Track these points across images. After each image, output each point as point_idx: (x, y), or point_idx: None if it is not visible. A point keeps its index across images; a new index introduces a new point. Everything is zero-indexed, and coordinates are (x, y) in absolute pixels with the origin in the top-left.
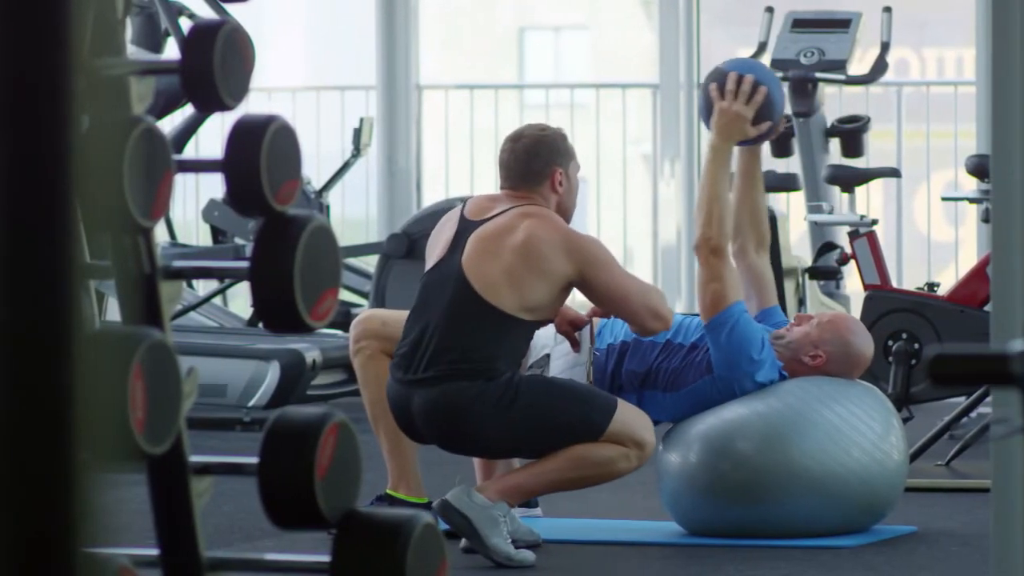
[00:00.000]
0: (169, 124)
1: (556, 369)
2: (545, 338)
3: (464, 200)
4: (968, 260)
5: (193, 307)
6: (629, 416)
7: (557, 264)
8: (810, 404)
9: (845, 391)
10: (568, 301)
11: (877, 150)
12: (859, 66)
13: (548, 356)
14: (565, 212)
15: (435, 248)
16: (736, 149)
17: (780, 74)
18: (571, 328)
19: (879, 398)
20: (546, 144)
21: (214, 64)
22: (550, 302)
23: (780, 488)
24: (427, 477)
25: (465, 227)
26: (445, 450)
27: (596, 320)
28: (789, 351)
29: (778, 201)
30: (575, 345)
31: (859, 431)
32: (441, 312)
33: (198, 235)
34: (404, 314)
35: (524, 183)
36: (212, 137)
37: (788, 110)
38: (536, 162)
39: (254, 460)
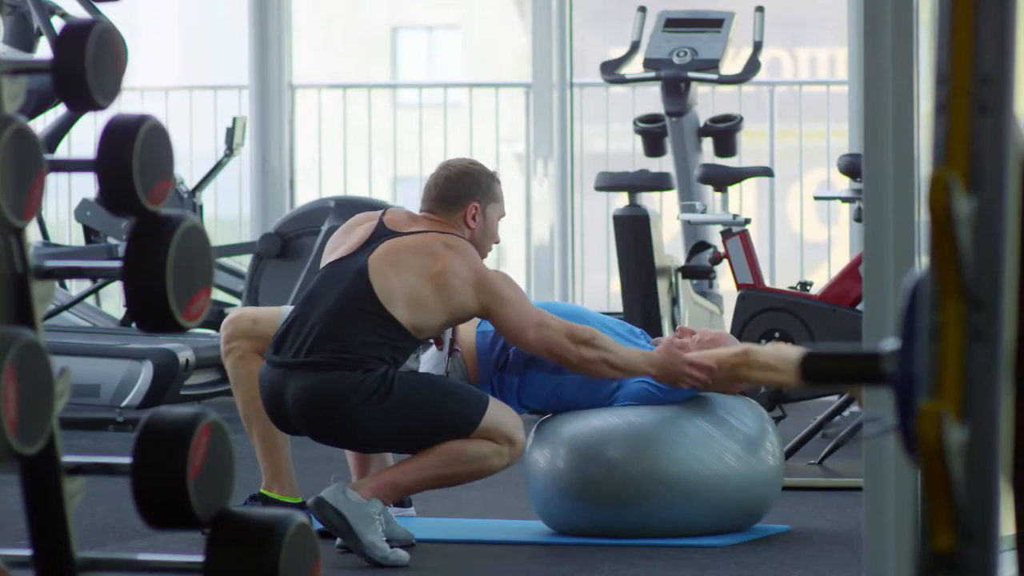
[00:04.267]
0: (41, 123)
1: (425, 368)
2: None
3: (343, 199)
4: (840, 259)
5: (66, 307)
6: (500, 414)
7: (463, 299)
8: (682, 413)
9: (719, 400)
10: None
11: (750, 149)
12: (732, 65)
13: (420, 357)
14: (478, 249)
15: (343, 244)
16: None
17: (652, 74)
18: None
19: (753, 406)
20: (470, 176)
21: (86, 64)
22: (440, 326)
23: (651, 494)
24: (300, 477)
25: (382, 232)
26: (315, 440)
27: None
28: None
29: (651, 201)
30: (439, 343)
31: (732, 437)
32: (333, 302)
33: (71, 235)
34: (276, 311)
35: (440, 208)
36: (85, 137)
37: (661, 108)
38: (454, 190)
39: (127, 460)
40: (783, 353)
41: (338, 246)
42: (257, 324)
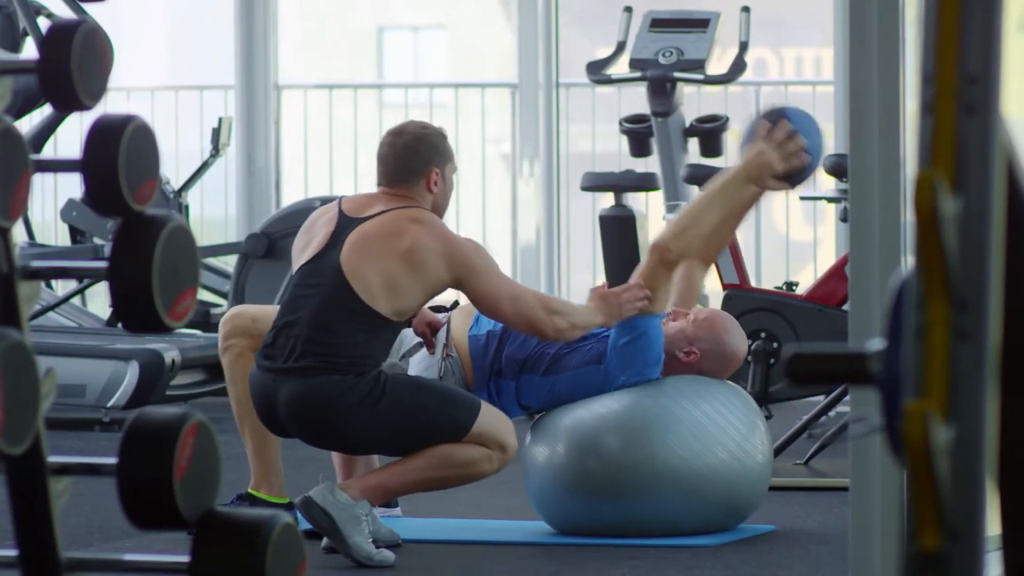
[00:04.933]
0: (27, 124)
1: (415, 371)
2: (413, 334)
3: (328, 199)
4: (826, 259)
5: (52, 307)
6: (492, 418)
7: (437, 272)
8: (677, 401)
9: (712, 390)
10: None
11: (736, 150)
12: (718, 66)
13: (421, 344)
14: (438, 211)
15: (311, 242)
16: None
17: (638, 74)
18: (428, 330)
19: (744, 398)
20: (426, 143)
21: (72, 64)
22: (420, 306)
23: (644, 485)
24: (288, 476)
25: (345, 223)
26: (308, 443)
27: (462, 316)
28: (664, 345)
29: (637, 201)
30: (430, 346)
31: (724, 430)
32: (316, 306)
33: (57, 235)
34: (275, 310)
35: (401, 181)
36: (71, 137)
37: (646, 108)
38: (414, 160)
39: (113, 460)
40: (680, 216)
41: (305, 245)
42: (256, 323)
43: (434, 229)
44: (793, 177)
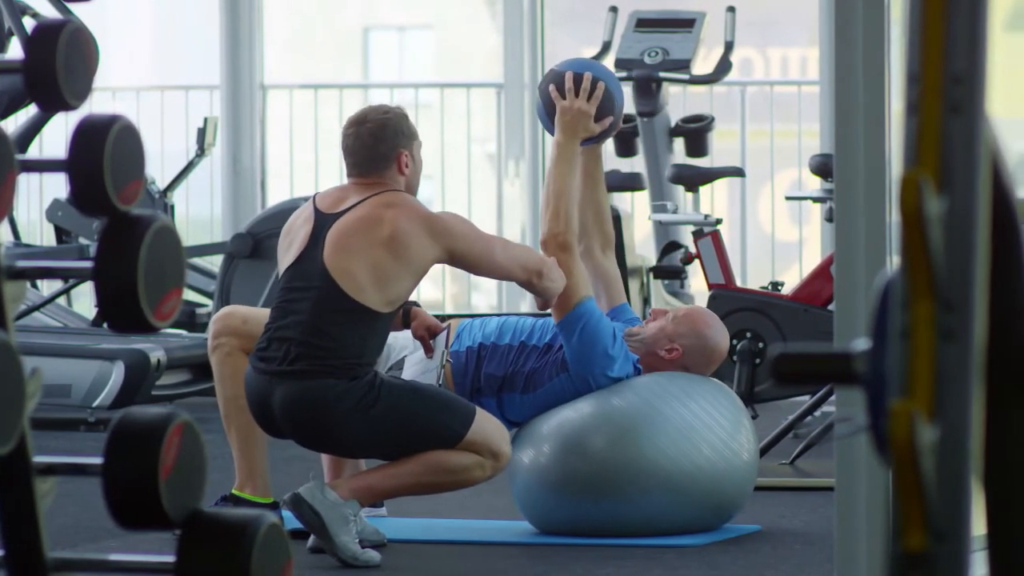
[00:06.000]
0: (13, 124)
1: (409, 374)
2: (404, 340)
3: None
4: (812, 259)
5: (37, 307)
6: (487, 426)
7: (424, 251)
8: (664, 399)
9: (698, 388)
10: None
11: (721, 149)
12: (703, 66)
13: (405, 358)
14: (412, 190)
15: (293, 244)
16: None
17: (624, 73)
18: (427, 334)
19: (730, 396)
20: (391, 127)
21: (57, 64)
22: (410, 290)
23: (630, 484)
24: (273, 476)
25: (323, 221)
26: (302, 445)
27: (455, 323)
28: (645, 346)
29: (622, 200)
30: (428, 350)
31: (710, 428)
32: (307, 309)
33: (42, 235)
34: (265, 312)
35: (372, 170)
36: (56, 137)
37: (632, 108)
38: (382, 146)
39: (98, 460)
40: (545, 204)
41: (288, 247)
42: (247, 324)
43: (411, 209)
44: (606, 107)
